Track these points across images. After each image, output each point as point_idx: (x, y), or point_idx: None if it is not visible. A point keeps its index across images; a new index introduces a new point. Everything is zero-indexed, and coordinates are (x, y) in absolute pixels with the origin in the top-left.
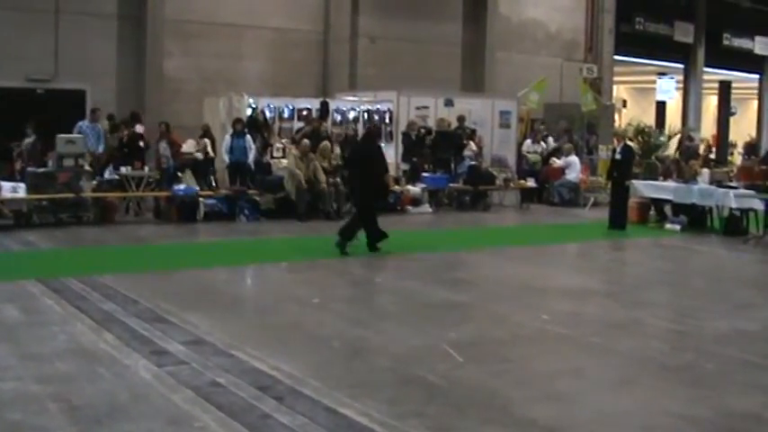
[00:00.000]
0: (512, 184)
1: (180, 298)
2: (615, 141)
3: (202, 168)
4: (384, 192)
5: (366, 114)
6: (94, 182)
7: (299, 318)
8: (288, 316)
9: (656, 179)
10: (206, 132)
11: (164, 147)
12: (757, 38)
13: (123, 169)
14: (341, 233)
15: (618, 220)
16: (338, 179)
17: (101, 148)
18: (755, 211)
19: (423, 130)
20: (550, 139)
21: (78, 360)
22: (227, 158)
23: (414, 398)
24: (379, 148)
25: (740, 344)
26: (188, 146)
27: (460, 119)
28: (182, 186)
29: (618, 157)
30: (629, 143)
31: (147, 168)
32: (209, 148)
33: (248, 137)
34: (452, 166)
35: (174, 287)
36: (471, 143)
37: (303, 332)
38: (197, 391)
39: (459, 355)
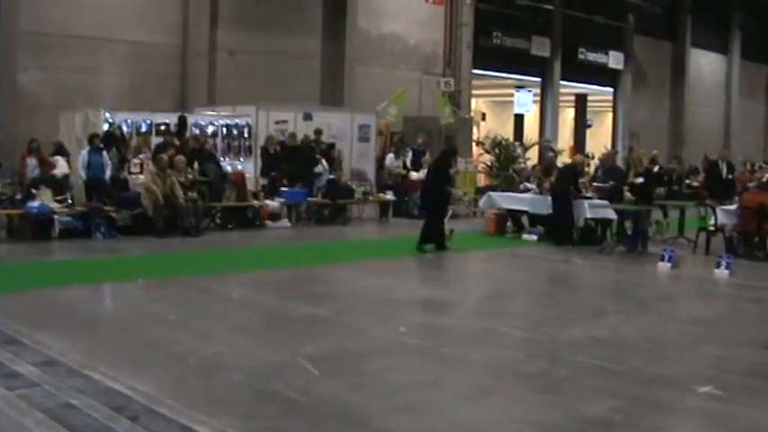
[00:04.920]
0: (371, 198)
1: (32, 318)
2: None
3: (59, 185)
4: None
5: (225, 129)
6: None
7: (155, 335)
8: (144, 334)
9: (513, 190)
10: (59, 149)
11: (33, 164)
12: (611, 52)
13: None
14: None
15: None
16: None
17: None
18: (610, 220)
19: (278, 147)
20: (409, 154)
21: None
22: (83, 174)
23: (270, 413)
24: (446, 164)
25: (592, 350)
26: (61, 167)
27: (317, 132)
28: (35, 203)
29: None
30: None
31: None
32: (65, 164)
33: (105, 152)
34: (307, 180)
35: (26, 307)
36: (323, 160)
37: (159, 350)
38: (49, 414)
39: (315, 368)
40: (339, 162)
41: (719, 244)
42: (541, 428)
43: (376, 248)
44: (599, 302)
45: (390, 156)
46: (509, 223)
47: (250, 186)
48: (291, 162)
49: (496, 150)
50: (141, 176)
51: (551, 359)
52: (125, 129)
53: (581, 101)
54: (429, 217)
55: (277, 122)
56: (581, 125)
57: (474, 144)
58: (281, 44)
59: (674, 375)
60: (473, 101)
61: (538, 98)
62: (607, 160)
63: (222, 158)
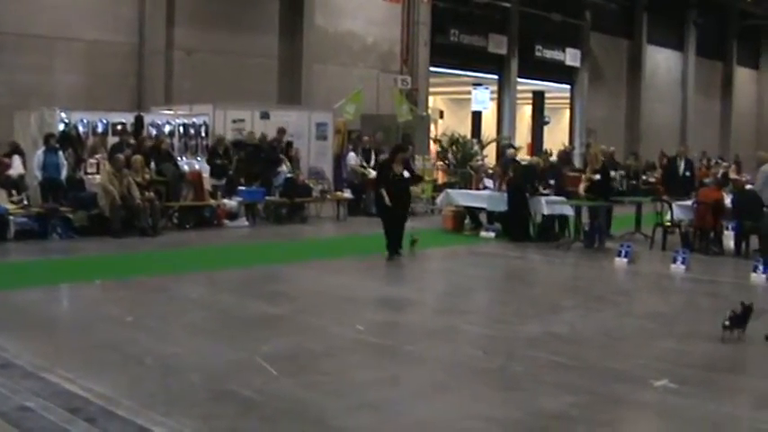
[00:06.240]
0: (328, 196)
1: None
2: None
3: (14, 185)
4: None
5: (182, 128)
6: None
7: (112, 337)
8: (100, 335)
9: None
10: (14, 149)
11: None
12: (568, 50)
13: None
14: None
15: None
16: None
17: None
18: (567, 216)
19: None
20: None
21: None
22: (39, 175)
23: (228, 413)
24: (385, 164)
25: (550, 346)
26: (16, 167)
27: (280, 131)
28: None
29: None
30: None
31: None
32: (20, 165)
33: (61, 153)
34: (265, 179)
35: None
36: (287, 160)
37: (116, 351)
38: (5, 417)
39: (274, 368)
40: (297, 161)
41: (676, 239)
42: (500, 424)
43: (334, 247)
44: (556, 298)
45: (352, 154)
46: (467, 220)
47: (207, 185)
48: (254, 161)
49: (453, 148)
50: (98, 177)
51: (509, 355)
52: (81, 128)
53: (538, 98)
54: (383, 220)
55: (234, 121)
56: (538, 122)
57: (432, 141)
58: (238, 42)
59: (630, 370)
60: (431, 98)
61: (495, 95)
62: (561, 156)
63: (179, 158)
